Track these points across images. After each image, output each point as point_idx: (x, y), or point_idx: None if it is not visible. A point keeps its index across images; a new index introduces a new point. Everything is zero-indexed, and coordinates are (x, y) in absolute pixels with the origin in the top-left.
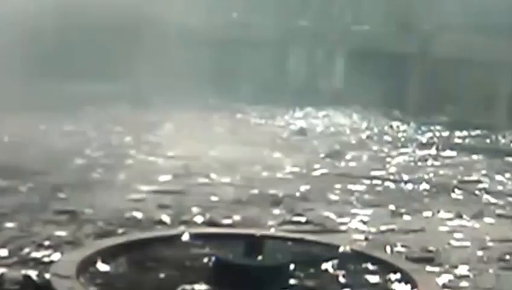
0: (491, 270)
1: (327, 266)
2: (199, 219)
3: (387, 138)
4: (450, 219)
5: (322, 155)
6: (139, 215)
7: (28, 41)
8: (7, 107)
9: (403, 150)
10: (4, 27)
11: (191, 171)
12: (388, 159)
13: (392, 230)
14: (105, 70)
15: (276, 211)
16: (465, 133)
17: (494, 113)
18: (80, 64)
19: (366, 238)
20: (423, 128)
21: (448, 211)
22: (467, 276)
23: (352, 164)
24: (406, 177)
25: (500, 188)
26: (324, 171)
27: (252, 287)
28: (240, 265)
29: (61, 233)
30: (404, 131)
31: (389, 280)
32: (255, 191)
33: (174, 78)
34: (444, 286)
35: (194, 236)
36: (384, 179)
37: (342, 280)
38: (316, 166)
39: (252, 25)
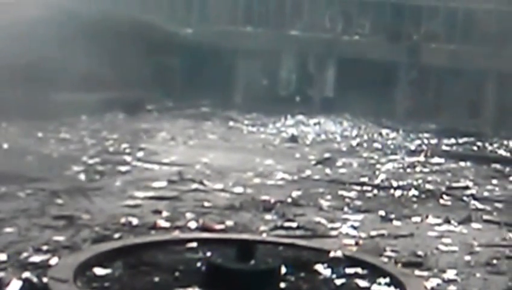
0: (478, 275)
1: (318, 270)
2: (193, 225)
3: (377, 145)
4: (439, 224)
5: (313, 162)
6: (134, 220)
7: (24, 50)
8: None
9: (392, 157)
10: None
11: (185, 178)
12: (378, 166)
13: (382, 235)
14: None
15: (268, 217)
16: (453, 140)
17: (481, 121)
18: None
19: (356, 243)
20: (412, 135)
21: (436, 217)
22: (455, 280)
23: (343, 170)
24: (395, 183)
25: (487, 194)
26: (315, 177)
27: None
28: (232, 269)
29: (59, 238)
30: (393, 138)
31: (379, 283)
32: (247, 197)
33: (169, 86)
34: (433, 289)
35: (187, 241)
36: (374, 185)
37: (332, 284)
38: (307, 172)
39: (246, 34)
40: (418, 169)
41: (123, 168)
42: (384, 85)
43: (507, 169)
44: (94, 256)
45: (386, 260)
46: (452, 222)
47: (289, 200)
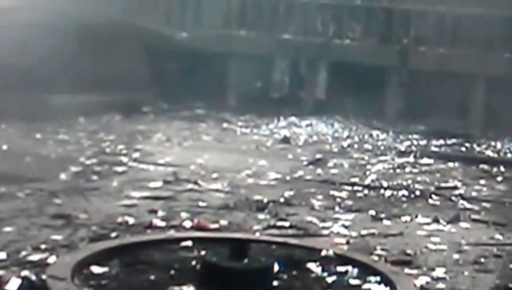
0: (466, 273)
1: (310, 268)
2: (188, 224)
3: (367, 146)
4: (428, 224)
5: (305, 163)
6: (131, 220)
7: (20, 52)
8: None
9: (382, 157)
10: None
11: (180, 178)
12: (368, 167)
13: (372, 234)
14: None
15: (261, 216)
16: (441, 141)
17: (470, 123)
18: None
19: (347, 242)
20: (401, 137)
21: (425, 216)
22: (444, 278)
23: (334, 171)
24: (385, 183)
25: (475, 194)
26: (307, 177)
27: (238, 289)
28: (227, 267)
29: (57, 237)
30: (383, 140)
31: (369, 281)
32: (241, 197)
33: (165, 89)
34: (422, 287)
35: (182, 240)
36: (364, 186)
37: (323, 281)
38: (300, 173)
39: (239, 38)
40: (407, 170)
41: (119, 169)
42: (375, 87)
43: (494, 169)
44: (91, 255)
45: (376, 258)
46: (441, 221)
47: (282, 200)
